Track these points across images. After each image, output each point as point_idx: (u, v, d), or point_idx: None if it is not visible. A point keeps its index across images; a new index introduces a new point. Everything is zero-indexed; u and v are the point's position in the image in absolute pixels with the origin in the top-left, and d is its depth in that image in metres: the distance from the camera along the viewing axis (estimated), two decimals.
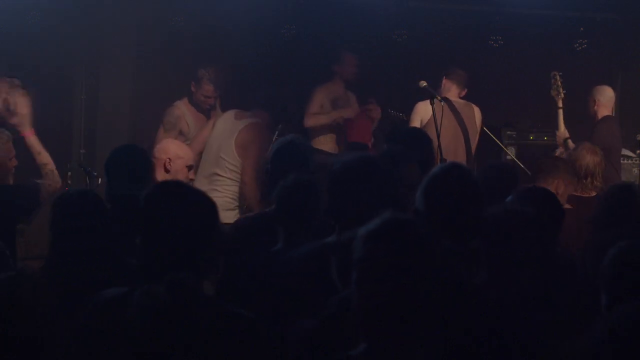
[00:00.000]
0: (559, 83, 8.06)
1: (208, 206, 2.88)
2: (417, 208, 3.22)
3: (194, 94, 7.58)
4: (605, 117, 8.16)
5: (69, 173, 7.75)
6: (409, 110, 7.80)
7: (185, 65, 8.84)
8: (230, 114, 7.12)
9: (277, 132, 7.28)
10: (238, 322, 2.76)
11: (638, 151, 8.59)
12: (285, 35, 9.47)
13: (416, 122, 7.56)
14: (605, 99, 8.20)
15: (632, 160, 8.69)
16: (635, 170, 8.53)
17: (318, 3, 9.27)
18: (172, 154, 5.90)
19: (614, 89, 8.91)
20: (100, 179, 7.01)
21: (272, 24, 9.39)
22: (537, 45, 9.76)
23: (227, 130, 7.00)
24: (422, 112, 7.56)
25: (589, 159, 6.25)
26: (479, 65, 9.76)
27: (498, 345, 2.90)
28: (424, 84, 7.32)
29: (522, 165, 7.96)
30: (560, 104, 8.03)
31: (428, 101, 7.36)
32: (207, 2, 9.11)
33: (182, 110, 7.59)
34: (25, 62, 8.16)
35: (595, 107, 8.17)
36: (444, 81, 7.99)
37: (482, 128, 8.02)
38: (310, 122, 8.14)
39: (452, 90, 7.94)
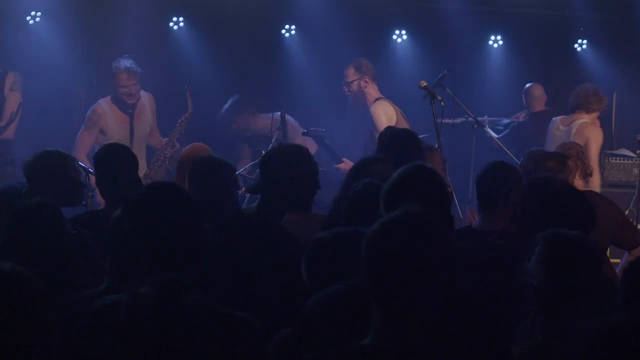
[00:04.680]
0: None
1: (197, 207, 2.90)
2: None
3: (115, 90, 7.72)
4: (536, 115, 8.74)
5: None
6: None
7: (185, 65, 8.88)
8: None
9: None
10: (230, 323, 2.76)
11: (638, 151, 8.58)
12: (285, 35, 9.49)
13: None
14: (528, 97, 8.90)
15: (632, 160, 8.68)
16: (635, 170, 8.52)
17: (318, 3, 9.28)
18: None
19: (614, 89, 8.94)
20: None
21: (272, 24, 9.41)
22: (537, 45, 9.77)
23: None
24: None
25: None
26: (479, 65, 9.79)
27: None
28: (424, 84, 7.32)
29: None
30: None
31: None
32: (207, 2, 9.13)
33: (104, 109, 7.70)
34: (26, 62, 8.19)
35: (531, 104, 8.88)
36: (362, 84, 7.63)
37: (481, 127, 8.03)
38: None
39: (376, 90, 7.73)
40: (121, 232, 3.24)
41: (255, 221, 4.30)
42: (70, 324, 2.99)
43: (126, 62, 7.68)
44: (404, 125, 7.50)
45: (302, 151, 4.73)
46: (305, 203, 4.60)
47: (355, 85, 7.71)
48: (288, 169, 4.53)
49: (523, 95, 8.99)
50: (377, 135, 7.32)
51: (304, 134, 7.68)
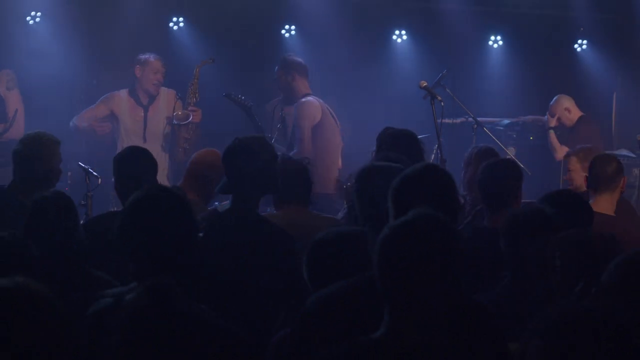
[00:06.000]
0: None
1: (190, 210, 2.92)
2: (387, 211, 3.00)
3: (140, 79, 7.79)
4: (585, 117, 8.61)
5: (69, 173, 7.75)
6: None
7: (185, 65, 8.87)
8: None
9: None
10: (216, 335, 2.76)
11: (638, 151, 8.58)
12: (285, 35, 9.49)
13: None
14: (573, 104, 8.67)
15: (632, 160, 8.67)
16: (636, 170, 8.51)
17: (318, 3, 9.28)
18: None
19: (614, 89, 8.94)
20: (100, 179, 7.02)
21: (272, 24, 9.41)
22: (537, 45, 9.77)
23: None
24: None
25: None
26: (479, 65, 9.79)
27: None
28: (424, 84, 7.32)
29: (522, 165, 7.96)
30: None
31: None
32: (207, 2, 9.13)
33: (121, 95, 7.85)
34: (26, 61, 8.19)
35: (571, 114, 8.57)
36: (288, 79, 7.56)
37: (481, 127, 8.04)
38: None
39: (305, 86, 7.63)
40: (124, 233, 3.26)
41: (243, 220, 4.26)
42: (72, 324, 2.99)
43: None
44: (329, 123, 7.47)
45: (262, 140, 4.65)
46: (278, 191, 4.45)
47: (282, 82, 7.66)
48: (254, 160, 4.31)
49: (554, 108, 8.63)
50: (299, 131, 7.34)
51: (225, 95, 7.48)
